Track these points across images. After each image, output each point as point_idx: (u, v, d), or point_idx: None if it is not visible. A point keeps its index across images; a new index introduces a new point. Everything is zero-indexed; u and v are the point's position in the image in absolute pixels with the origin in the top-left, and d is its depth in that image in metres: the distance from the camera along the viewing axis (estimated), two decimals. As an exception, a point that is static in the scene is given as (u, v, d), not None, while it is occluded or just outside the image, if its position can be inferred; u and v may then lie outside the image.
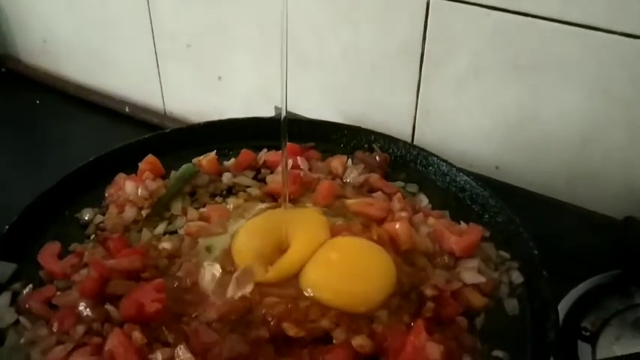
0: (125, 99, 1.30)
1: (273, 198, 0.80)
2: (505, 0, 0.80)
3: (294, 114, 0.99)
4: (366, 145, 0.91)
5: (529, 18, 0.80)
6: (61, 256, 0.71)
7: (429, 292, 0.64)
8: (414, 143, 0.93)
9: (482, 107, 0.90)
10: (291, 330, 0.60)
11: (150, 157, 0.84)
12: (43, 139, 1.19)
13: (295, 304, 0.62)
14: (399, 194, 0.79)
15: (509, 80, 0.85)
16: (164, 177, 0.83)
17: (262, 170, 0.87)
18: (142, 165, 0.83)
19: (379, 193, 0.80)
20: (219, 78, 1.16)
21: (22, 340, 0.61)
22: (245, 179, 0.85)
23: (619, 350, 0.66)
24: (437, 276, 0.67)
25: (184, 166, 0.83)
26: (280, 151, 0.86)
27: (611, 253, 0.76)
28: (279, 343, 0.60)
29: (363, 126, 0.92)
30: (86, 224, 0.77)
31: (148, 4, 1.15)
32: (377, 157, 0.87)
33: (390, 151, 0.89)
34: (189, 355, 0.56)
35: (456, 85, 0.90)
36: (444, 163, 0.85)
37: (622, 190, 0.84)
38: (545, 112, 0.85)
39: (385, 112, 0.99)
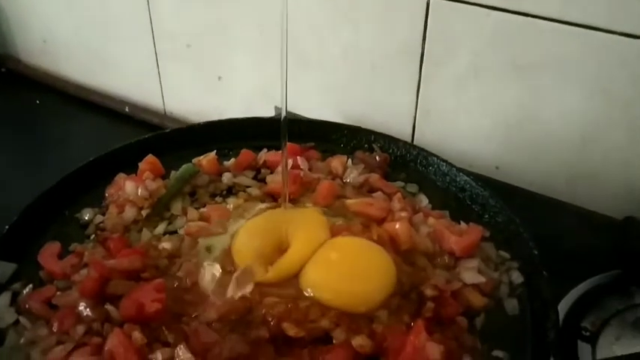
0: (125, 99, 1.30)
1: (273, 198, 0.80)
2: (505, 0, 0.80)
3: (294, 114, 0.99)
4: (366, 145, 0.91)
5: (529, 18, 0.80)
6: (61, 256, 0.71)
7: (429, 292, 0.64)
8: (414, 143, 0.93)
9: (482, 107, 0.90)
10: (291, 330, 0.60)
11: (150, 157, 0.84)
12: (43, 139, 1.19)
13: (295, 304, 0.62)
14: (399, 194, 0.79)
15: (509, 80, 0.85)
16: (164, 177, 0.83)
17: (262, 170, 0.87)
18: (142, 165, 0.83)
19: (379, 193, 0.80)
20: (219, 78, 1.16)
21: (22, 340, 0.61)
22: (245, 179, 0.85)
23: (619, 350, 0.66)
24: (437, 276, 0.67)
25: (184, 166, 0.83)
26: (280, 151, 0.86)
27: (611, 253, 0.76)
28: (279, 343, 0.60)
29: (363, 126, 0.92)
30: (86, 224, 0.77)
31: (148, 4, 1.15)
32: (377, 157, 0.87)
33: (390, 151, 0.89)
34: (189, 355, 0.56)
35: (456, 85, 0.90)
36: (444, 163, 0.85)
37: (622, 190, 0.84)
38: (545, 112, 0.85)
39: (385, 112, 0.99)
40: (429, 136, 0.97)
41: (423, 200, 0.82)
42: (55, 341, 0.60)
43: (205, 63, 1.16)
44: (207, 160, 0.86)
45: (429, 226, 0.74)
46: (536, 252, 0.69)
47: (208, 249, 0.70)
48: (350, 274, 0.65)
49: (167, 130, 0.95)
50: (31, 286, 0.67)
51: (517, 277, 0.70)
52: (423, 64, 0.91)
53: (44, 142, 1.18)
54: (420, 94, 0.94)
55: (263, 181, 0.84)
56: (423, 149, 0.87)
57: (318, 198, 0.78)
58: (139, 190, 0.78)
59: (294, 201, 0.78)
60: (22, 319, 0.63)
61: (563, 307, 0.71)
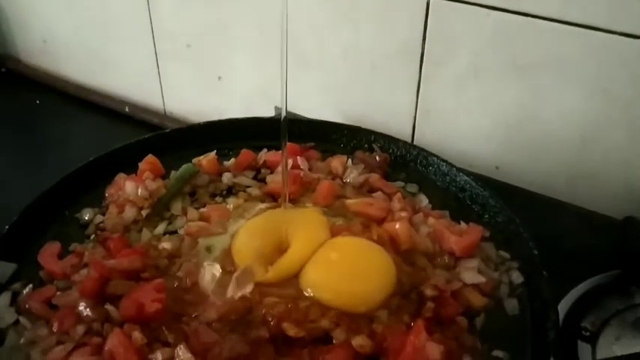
0: (125, 99, 1.30)
1: (273, 198, 0.80)
2: (505, 0, 0.80)
3: (294, 114, 0.99)
4: (366, 145, 0.91)
5: (529, 18, 0.80)
6: (61, 256, 0.71)
7: (429, 292, 0.64)
8: (414, 143, 0.93)
9: (482, 107, 0.90)
10: (291, 330, 0.60)
11: (150, 157, 0.84)
12: (43, 139, 1.19)
13: (295, 304, 0.62)
14: (399, 194, 0.79)
15: (509, 80, 0.85)
16: (164, 177, 0.83)
17: (262, 170, 0.87)
18: (142, 165, 0.83)
19: (379, 193, 0.80)
20: (219, 78, 1.16)
21: (22, 340, 0.61)
22: (245, 179, 0.85)
23: (619, 350, 0.66)
24: (437, 276, 0.67)
25: (184, 166, 0.83)
26: (280, 151, 0.86)
27: (611, 253, 0.76)
28: (279, 343, 0.60)
29: (363, 126, 0.92)
30: (86, 224, 0.77)
31: (148, 4, 1.15)
32: (377, 157, 0.87)
33: (390, 151, 0.89)
34: (189, 355, 0.56)
35: (456, 85, 0.90)
36: (444, 163, 0.85)
37: (622, 190, 0.84)
38: (545, 112, 0.85)
39: (385, 112, 0.99)
40: (429, 136, 0.97)
41: (423, 200, 0.82)
42: (55, 341, 0.60)
43: (205, 63, 1.16)
44: (207, 160, 0.86)
45: (429, 226, 0.74)
46: (536, 252, 0.69)
47: (208, 249, 0.70)
48: (350, 274, 0.65)
49: (167, 130, 0.95)
50: (31, 286, 0.67)
51: (517, 277, 0.70)
52: (423, 64, 0.91)
53: (44, 142, 1.18)
54: (420, 94, 0.94)
55: (263, 181, 0.84)
56: (423, 149, 0.87)
57: (318, 198, 0.78)
58: (139, 190, 0.78)
59: (294, 201, 0.78)
60: (22, 319, 0.63)
61: (563, 307, 0.71)
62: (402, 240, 0.70)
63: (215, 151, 0.88)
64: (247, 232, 0.70)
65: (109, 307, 0.62)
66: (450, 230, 0.73)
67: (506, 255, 0.73)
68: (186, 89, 1.22)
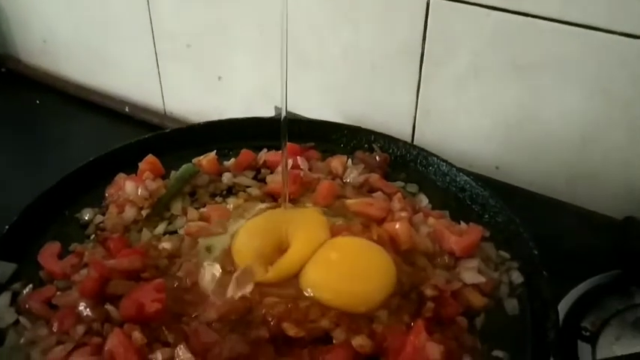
0: (125, 99, 1.30)
1: (273, 198, 0.80)
2: (505, 0, 0.80)
3: (294, 114, 0.99)
4: (366, 145, 0.91)
5: (529, 18, 0.80)
6: (61, 256, 0.71)
7: (429, 292, 0.64)
8: (414, 143, 0.93)
9: (482, 107, 0.90)
10: (291, 330, 0.60)
11: (150, 157, 0.84)
12: (43, 139, 1.19)
13: (295, 304, 0.62)
14: (399, 194, 0.79)
15: (509, 80, 0.85)
16: (164, 177, 0.83)
17: (262, 170, 0.87)
18: (142, 165, 0.83)
19: (379, 193, 0.80)
20: (219, 78, 1.16)
21: (22, 340, 0.61)
22: (245, 179, 0.85)
23: (619, 350, 0.66)
24: (437, 276, 0.67)
25: (184, 166, 0.83)
26: (280, 151, 0.86)
27: (611, 253, 0.76)
28: (279, 343, 0.60)
29: (363, 126, 0.92)
30: (86, 224, 0.77)
31: (148, 4, 1.15)
32: (377, 157, 0.87)
33: (390, 151, 0.89)
34: (189, 355, 0.56)
35: (456, 85, 0.90)
36: (444, 163, 0.85)
37: (622, 190, 0.84)
38: (545, 112, 0.85)
39: (385, 112, 0.99)
40: (429, 136, 0.97)
41: (423, 200, 0.82)
42: (55, 341, 0.60)
43: (205, 63, 1.16)
44: (207, 160, 0.86)
45: (429, 226, 0.74)
46: (536, 252, 0.69)
47: (208, 249, 0.70)
48: (350, 274, 0.65)
49: (167, 130, 0.95)
50: (31, 286, 0.67)
51: (517, 277, 0.70)
52: (423, 64, 0.91)
53: (44, 142, 1.18)
54: (420, 94, 0.94)
55: (263, 181, 0.84)
56: (423, 149, 0.87)
57: (318, 198, 0.78)
58: (139, 190, 0.78)
59: (294, 201, 0.78)
60: (22, 319, 0.63)
61: (563, 307, 0.71)
62: (402, 240, 0.70)
63: (215, 151, 0.88)
64: (247, 232, 0.70)
65: (109, 307, 0.62)
66: (450, 230, 0.73)
67: (507, 255, 0.73)
68: (187, 89, 1.22)
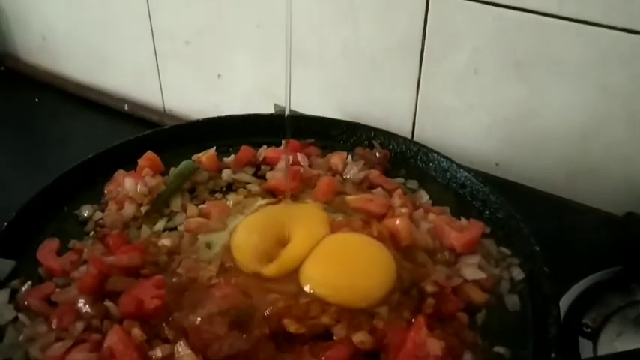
0: (124, 97, 1.30)
1: (272, 194, 0.80)
2: (505, -4, 0.80)
3: (294, 111, 0.98)
4: (366, 142, 0.90)
5: (529, 14, 0.80)
6: (60, 252, 0.71)
7: (429, 288, 0.64)
8: (414, 140, 0.93)
9: (482, 103, 0.90)
10: (291, 326, 0.59)
11: (149, 154, 0.84)
12: (43, 138, 1.19)
13: (296, 301, 0.62)
14: (399, 190, 0.79)
15: (509, 76, 0.85)
16: (163, 174, 0.83)
17: (262, 167, 0.87)
18: (141, 162, 0.83)
19: (379, 189, 0.80)
20: (219, 76, 1.16)
21: (21, 337, 0.61)
22: (245, 176, 0.85)
23: (620, 346, 0.66)
24: (437, 272, 0.67)
25: (184, 163, 0.83)
26: (280, 148, 0.86)
27: (612, 250, 0.76)
28: (279, 340, 0.60)
29: (363, 122, 0.92)
30: (85, 221, 0.77)
31: (148, 2, 1.15)
32: (377, 154, 0.87)
33: (390, 147, 0.89)
34: (188, 351, 0.56)
35: (456, 81, 0.90)
36: (445, 160, 0.84)
37: (622, 185, 0.84)
38: (545, 108, 0.85)
39: (385, 108, 0.98)
40: (429, 133, 0.96)
41: (424, 196, 0.82)
42: (54, 338, 0.60)
43: (205, 61, 1.16)
44: (206, 156, 0.85)
45: (430, 222, 0.74)
46: (537, 248, 0.69)
47: (208, 245, 0.70)
48: (350, 270, 0.65)
49: (166, 127, 0.95)
50: (30, 282, 0.67)
51: (518, 273, 0.70)
52: (423, 61, 0.91)
53: (43, 141, 1.18)
54: (420, 91, 0.94)
55: (263, 177, 0.84)
56: (423, 145, 0.87)
57: (318, 194, 0.78)
58: (139, 187, 0.78)
59: (295, 197, 0.77)
60: (21, 316, 0.63)
61: (564, 303, 0.71)
62: (403, 236, 0.70)
63: (215, 147, 0.87)
64: (247, 228, 0.70)
65: (108, 303, 0.62)
66: (450, 226, 0.72)
67: (507, 251, 0.72)
68: (186, 87, 1.22)
